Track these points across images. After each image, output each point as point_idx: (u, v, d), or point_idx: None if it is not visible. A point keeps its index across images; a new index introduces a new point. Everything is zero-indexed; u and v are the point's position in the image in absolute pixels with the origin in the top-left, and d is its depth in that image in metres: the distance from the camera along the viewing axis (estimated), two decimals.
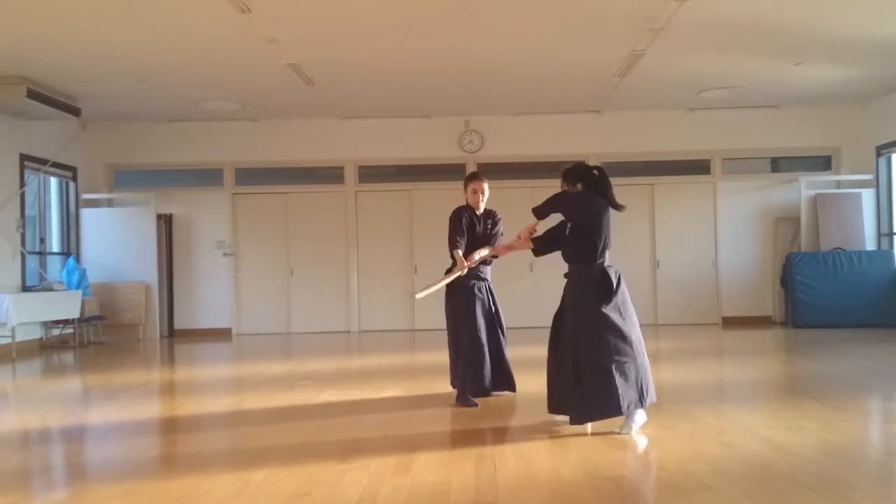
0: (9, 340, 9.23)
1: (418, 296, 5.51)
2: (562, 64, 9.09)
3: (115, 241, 11.37)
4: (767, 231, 11.82)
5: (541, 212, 4.81)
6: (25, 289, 10.19)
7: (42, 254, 10.96)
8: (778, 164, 12.15)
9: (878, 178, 11.28)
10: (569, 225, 4.83)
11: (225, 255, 12.01)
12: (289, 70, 9.02)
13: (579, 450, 4.23)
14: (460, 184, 6.14)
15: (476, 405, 5.53)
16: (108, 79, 9.29)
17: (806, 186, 11.34)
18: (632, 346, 4.58)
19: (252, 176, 12.16)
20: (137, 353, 10.12)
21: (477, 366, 5.66)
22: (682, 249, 11.88)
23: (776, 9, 7.36)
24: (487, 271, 5.90)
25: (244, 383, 7.40)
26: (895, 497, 3.59)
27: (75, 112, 10.13)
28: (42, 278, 10.65)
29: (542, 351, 4.95)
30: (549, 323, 4.88)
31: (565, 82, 10.02)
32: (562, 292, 4.86)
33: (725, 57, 8.98)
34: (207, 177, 12.13)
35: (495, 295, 5.94)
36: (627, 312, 4.66)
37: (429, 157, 11.89)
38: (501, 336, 5.88)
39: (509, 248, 5.47)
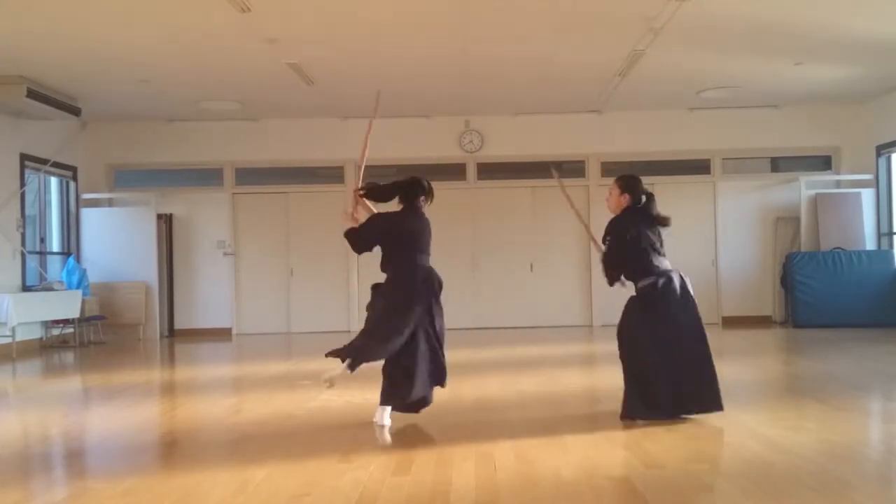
0: (9, 340, 9.23)
1: None
2: (562, 64, 9.09)
3: (115, 240, 11.36)
4: (767, 231, 11.81)
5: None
6: (26, 288, 10.18)
7: (42, 253, 10.96)
8: (778, 164, 12.15)
9: (878, 178, 11.27)
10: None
11: (225, 254, 12.00)
12: (289, 70, 9.01)
13: (579, 450, 4.22)
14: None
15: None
16: (108, 79, 9.29)
17: (806, 186, 11.34)
18: None
19: (252, 176, 12.16)
20: (137, 352, 10.12)
21: None
22: (681, 249, 11.81)
23: (776, 9, 7.36)
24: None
25: (244, 383, 7.40)
26: (895, 497, 3.58)
27: (75, 112, 10.13)
28: (42, 278, 10.65)
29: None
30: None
31: (565, 82, 10.02)
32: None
33: (725, 57, 8.98)
34: (207, 177, 12.13)
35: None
36: None
37: (429, 157, 11.86)
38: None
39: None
